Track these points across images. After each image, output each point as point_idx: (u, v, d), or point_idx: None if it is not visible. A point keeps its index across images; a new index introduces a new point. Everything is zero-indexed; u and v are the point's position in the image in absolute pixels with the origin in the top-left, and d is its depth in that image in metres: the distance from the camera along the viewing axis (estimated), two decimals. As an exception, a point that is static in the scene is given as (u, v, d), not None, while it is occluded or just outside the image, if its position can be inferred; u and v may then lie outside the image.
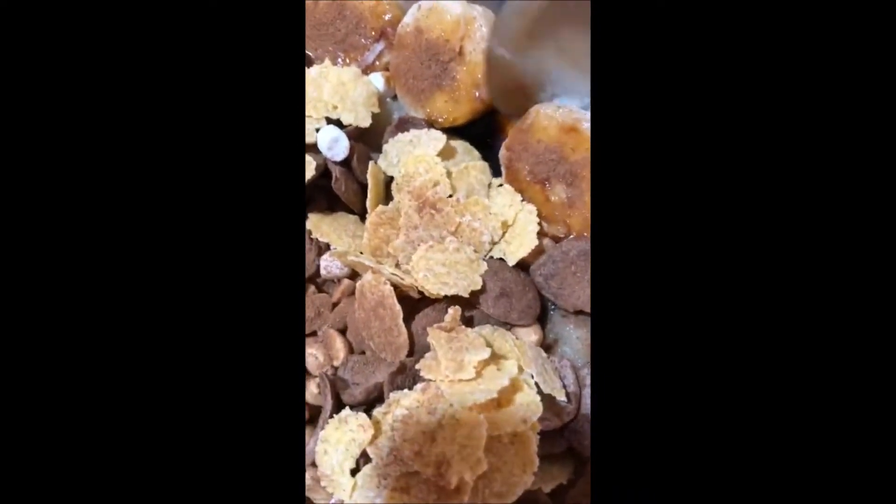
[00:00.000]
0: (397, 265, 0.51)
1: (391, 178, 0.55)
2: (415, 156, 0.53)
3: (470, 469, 0.41)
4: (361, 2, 0.59)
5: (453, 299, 0.50)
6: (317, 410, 0.54)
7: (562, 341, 0.52)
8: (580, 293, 0.50)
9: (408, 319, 0.49)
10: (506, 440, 0.43)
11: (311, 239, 0.53)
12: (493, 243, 0.52)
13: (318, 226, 0.53)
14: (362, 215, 0.55)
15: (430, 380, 0.45)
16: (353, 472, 0.44)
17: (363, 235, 0.52)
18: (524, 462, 0.43)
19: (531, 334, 0.51)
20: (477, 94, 0.56)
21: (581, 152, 0.50)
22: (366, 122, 0.54)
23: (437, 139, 0.54)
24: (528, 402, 0.44)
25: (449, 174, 0.52)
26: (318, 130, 0.52)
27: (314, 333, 0.54)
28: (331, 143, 0.52)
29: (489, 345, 0.47)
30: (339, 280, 0.54)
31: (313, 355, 0.53)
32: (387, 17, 0.59)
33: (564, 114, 0.51)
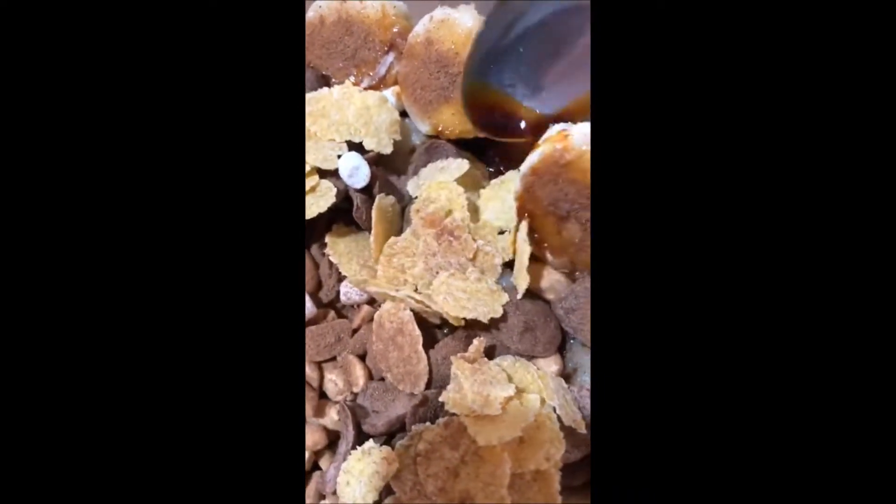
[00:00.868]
0: (416, 291, 0.51)
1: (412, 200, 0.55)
2: (437, 182, 0.53)
3: (494, 507, 0.42)
4: (368, 16, 0.59)
5: (472, 324, 0.50)
6: (335, 435, 0.54)
7: (580, 370, 0.53)
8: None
9: (426, 349, 0.49)
10: (528, 477, 0.44)
11: (332, 265, 0.53)
12: (504, 264, 0.52)
13: (335, 245, 0.53)
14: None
15: (453, 414, 0.45)
16: (376, 505, 0.45)
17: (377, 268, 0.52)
18: (546, 499, 0.43)
19: (552, 364, 0.51)
20: None
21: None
22: (388, 150, 0.54)
23: (460, 167, 0.53)
24: (551, 439, 0.44)
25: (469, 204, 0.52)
26: (339, 157, 0.52)
27: (333, 359, 0.54)
28: (352, 171, 0.52)
29: (510, 377, 0.47)
30: (359, 306, 0.54)
31: (333, 381, 0.53)
32: (395, 29, 0.59)
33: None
